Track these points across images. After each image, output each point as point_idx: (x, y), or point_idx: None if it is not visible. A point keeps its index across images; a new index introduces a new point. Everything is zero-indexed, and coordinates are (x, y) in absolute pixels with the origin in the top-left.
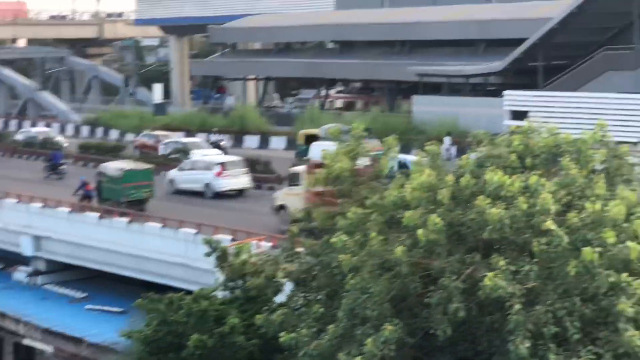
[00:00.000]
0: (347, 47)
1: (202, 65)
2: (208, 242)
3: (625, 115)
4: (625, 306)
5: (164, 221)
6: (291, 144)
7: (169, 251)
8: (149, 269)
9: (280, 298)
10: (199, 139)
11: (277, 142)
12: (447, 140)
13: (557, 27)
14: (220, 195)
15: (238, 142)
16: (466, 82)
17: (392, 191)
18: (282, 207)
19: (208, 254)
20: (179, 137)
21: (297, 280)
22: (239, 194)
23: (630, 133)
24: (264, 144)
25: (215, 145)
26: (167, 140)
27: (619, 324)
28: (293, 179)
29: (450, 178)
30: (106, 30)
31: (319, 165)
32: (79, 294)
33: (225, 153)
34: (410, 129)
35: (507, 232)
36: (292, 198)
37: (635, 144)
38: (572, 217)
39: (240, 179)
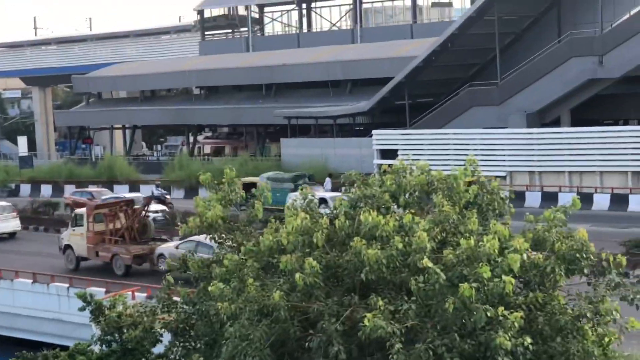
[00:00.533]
0: (212, 92)
1: (67, 115)
2: (81, 296)
3: (491, 149)
4: (503, 340)
5: (34, 276)
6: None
7: (41, 307)
8: (21, 326)
9: (159, 349)
10: (139, 194)
11: (147, 191)
12: (328, 181)
13: (422, 65)
14: None
15: None
16: (333, 123)
17: (267, 236)
18: (68, 247)
19: (82, 308)
20: (118, 193)
21: (175, 330)
22: (10, 237)
23: (497, 167)
24: (134, 192)
25: (160, 199)
26: (105, 197)
27: (497, 357)
28: (76, 220)
29: (325, 220)
30: None
31: (100, 207)
32: None
33: (170, 207)
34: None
35: (385, 272)
36: (76, 238)
37: (503, 177)
38: (448, 253)
39: (10, 223)
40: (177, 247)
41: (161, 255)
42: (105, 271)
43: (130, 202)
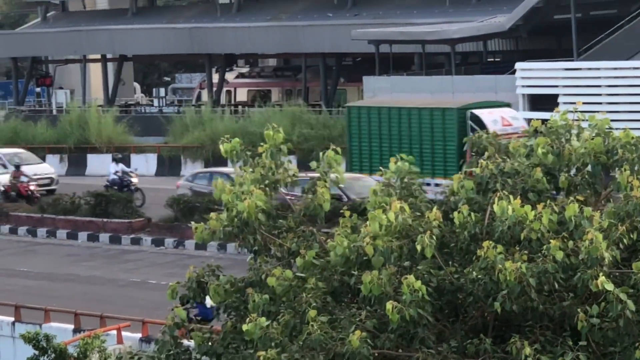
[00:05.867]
0: (250, 0)
1: (11, 39)
2: (31, 339)
3: None
4: None
5: None
6: (165, 168)
7: None
8: None
9: None
10: None
11: (143, 165)
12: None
13: None
14: None
15: (76, 165)
16: (451, 51)
17: (339, 240)
18: None
19: (33, 358)
20: None
21: None
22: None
23: None
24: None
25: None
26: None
27: None
28: None
29: (435, 214)
30: None
31: None
32: None
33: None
34: None
35: (534, 298)
36: None
37: None
38: None
39: None
40: None
41: None
42: (79, 297)
43: None
